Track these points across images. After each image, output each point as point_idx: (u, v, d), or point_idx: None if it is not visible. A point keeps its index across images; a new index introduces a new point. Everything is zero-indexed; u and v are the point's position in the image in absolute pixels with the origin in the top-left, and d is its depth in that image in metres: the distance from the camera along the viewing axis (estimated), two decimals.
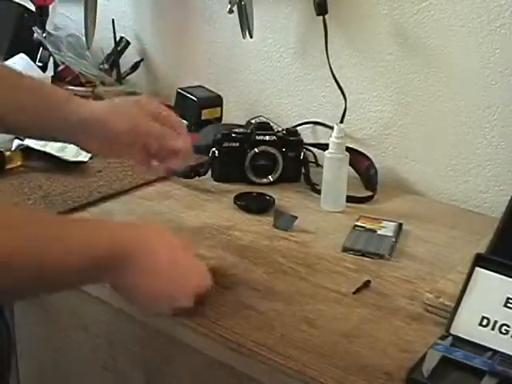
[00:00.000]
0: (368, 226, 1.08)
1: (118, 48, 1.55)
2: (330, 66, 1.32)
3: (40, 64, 1.49)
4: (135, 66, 1.61)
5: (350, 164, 1.31)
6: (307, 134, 1.39)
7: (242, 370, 0.79)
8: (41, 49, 1.51)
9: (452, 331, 0.78)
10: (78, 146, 0.99)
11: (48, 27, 1.52)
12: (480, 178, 1.22)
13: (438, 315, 0.85)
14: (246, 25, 1.35)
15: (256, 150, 1.23)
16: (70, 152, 1.32)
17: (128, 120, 0.95)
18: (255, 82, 1.48)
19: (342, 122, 1.34)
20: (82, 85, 1.47)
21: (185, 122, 1.40)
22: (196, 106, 1.40)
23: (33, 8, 1.54)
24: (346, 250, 1.01)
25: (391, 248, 1.02)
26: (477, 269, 0.81)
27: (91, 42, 1.50)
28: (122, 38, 1.58)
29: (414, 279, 0.95)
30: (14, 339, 1.13)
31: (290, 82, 1.43)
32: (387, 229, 1.07)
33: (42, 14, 1.52)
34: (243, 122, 1.38)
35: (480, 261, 0.81)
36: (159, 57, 1.65)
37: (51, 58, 1.51)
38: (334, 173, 1.15)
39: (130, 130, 0.95)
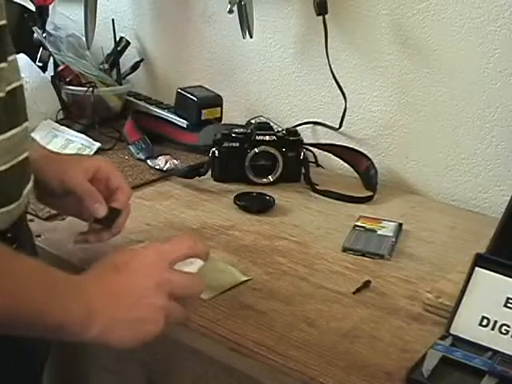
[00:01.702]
0: (368, 226, 1.08)
1: (118, 48, 1.55)
2: (330, 65, 1.32)
3: (40, 64, 1.49)
4: (135, 66, 1.61)
5: (350, 164, 1.31)
6: (307, 134, 1.39)
7: (242, 370, 0.79)
8: (41, 49, 1.51)
9: (452, 331, 0.79)
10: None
11: (48, 27, 1.52)
12: (480, 178, 1.22)
13: (438, 315, 0.85)
14: (245, 25, 1.35)
15: (256, 149, 1.23)
16: (70, 152, 1.32)
17: (56, 170, 0.90)
18: (255, 82, 1.48)
19: (341, 122, 1.34)
20: (81, 85, 1.47)
21: (185, 121, 1.41)
22: (196, 106, 1.40)
23: (33, 8, 1.54)
24: (346, 249, 1.01)
25: (391, 248, 1.02)
26: (477, 269, 0.81)
27: (91, 42, 1.50)
28: (121, 37, 1.58)
29: (414, 279, 0.95)
30: None
31: (290, 82, 1.43)
32: (387, 229, 1.07)
33: (41, 13, 1.52)
34: (243, 122, 1.38)
35: (480, 261, 0.81)
36: (159, 57, 1.65)
37: (51, 58, 1.51)
38: None
39: (57, 180, 0.89)
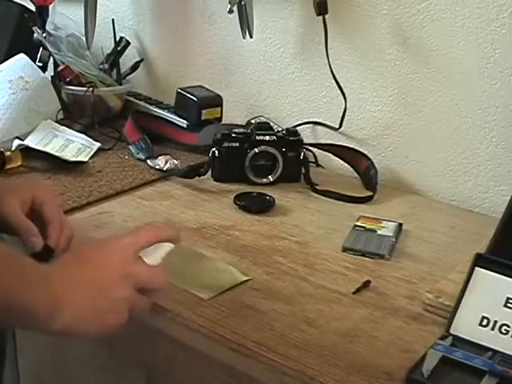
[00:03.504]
0: (368, 226, 1.07)
1: (118, 48, 1.55)
2: (330, 66, 1.32)
3: (40, 64, 1.49)
4: (135, 66, 1.61)
5: (350, 164, 1.31)
6: (307, 134, 1.39)
7: (242, 370, 0.79)
8: (41, 49, 1.51)
9: (452, 331, 0.79)
10: None
11: (48, 27, 1.52)
12: (480, 178, 1.22)
13: (438, 315, 0.85)
14: (245, 25, 1.34)
15: (256, 149, 1.23)
16: (70, 152, 1.32)
17: None
18: (255, 82, 1.48)
19: (341, 122, 1.34)
20: (82, 85, 1.47)
21: (185, 121, 1.41)
22: (196, 106, 1.40)
23: (33, 8, 1.54)
24: (346, 249, 1.01)
25: (391, 248, 1.02)
26: (477, 269, 0.81)
27: (91, 42, 1.50)
28: (121, 37, 1.58)
29: (414, 279, 0.95)
30: (14, 339, 1.13)
31: (289, 82, 1.43)
32: (387, 229, 1.07)
33: (41, 14, 1.51)
34: (243, 122, 1.38)
35: (480, 261, 0.81)
36: (159, 57, 1.65)
37: (51, 58, 1.51)
38: None
39: None
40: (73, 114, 1.48)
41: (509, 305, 0.78)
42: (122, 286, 0.73)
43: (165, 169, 1.26)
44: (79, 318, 0.71)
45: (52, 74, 1.52)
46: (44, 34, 1.50)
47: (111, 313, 0.73)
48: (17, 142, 1.27)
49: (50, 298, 0.69)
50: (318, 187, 1.23)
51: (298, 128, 1.33)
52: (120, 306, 0.74)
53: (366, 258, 1.00)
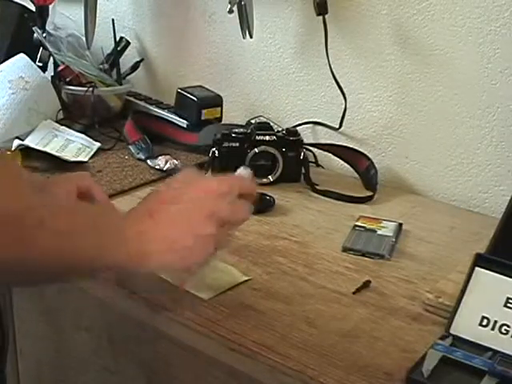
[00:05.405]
0: (368, 226, 1.07)
1: (118, 48, 1.55)
2: (330, 66, 1.32)
3: (40, 64, 1.49)
4: (135, 66, 1.61)
5: (350, 164, 1.31)
6: (307, 134, 1.39)
7: (242, 370, 0.79)
8: (41, 49, 1.51)
9: (452, 331, 0.79)
10: None
11: (48, 27, 1.52)
12: (480, 178, 1.22)
13: (438, 315, 0.85)
14: (245, 25, 1.34)
15: (256, 149, 1.23)
16: (70, 152, 1.32)
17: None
18: (255, 82, 1.48)
19: (341, 122, 1.34)
20: (82, 85, 1.47)
21: (185, 121, 1.41)
22: (196, 106, 1.40)
23: (33, 8, 1.54)
24: (346, 249, 1.01)
25: (391, 248, 1.02)
26: (477, 269, 0.81)
27: (91, 42, 1.50)
28: (121, 37, 1.58)
29: (414, 279, 0.95)
30: (14, 339, 1.13)
31: (290, 82, 1.43)
32: (387, 229, 1.07)
33: (42, 14, 1.51)
34: (243, 122, 1.38)
35: (480, 261, 0.81)
36: (159, 57, 1.65)
37: (51, 58, 1.51)
38: None
39: None
40: (73, 114, 1.48)
41: (509, 305, 0.78)
42: (209, 223, 0.78)
43: (165, 169, 1.26)
44: (170, 253, 0.76)
45: (52, 74, 1.52)
46: (44, 34, 1.50)
47: (198, 249, 0.78)
48: (17, 142, 1.27)
49: (138, 243, 0.74)
50: (317, 187, 1.23)
51: (298, 128, 1.33)
52: (207, 242, 0.78)
53: (366, 258, 1.00)
